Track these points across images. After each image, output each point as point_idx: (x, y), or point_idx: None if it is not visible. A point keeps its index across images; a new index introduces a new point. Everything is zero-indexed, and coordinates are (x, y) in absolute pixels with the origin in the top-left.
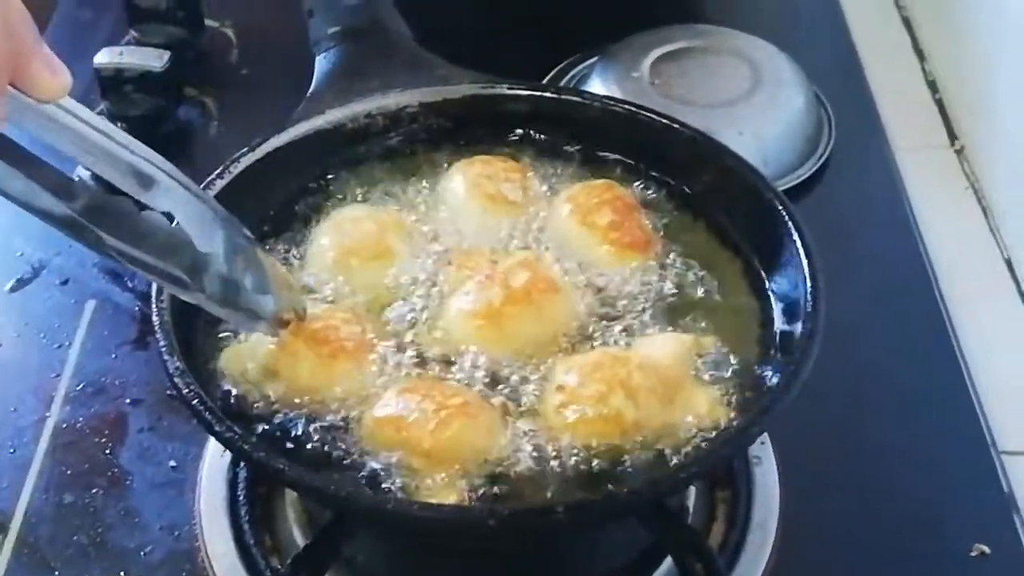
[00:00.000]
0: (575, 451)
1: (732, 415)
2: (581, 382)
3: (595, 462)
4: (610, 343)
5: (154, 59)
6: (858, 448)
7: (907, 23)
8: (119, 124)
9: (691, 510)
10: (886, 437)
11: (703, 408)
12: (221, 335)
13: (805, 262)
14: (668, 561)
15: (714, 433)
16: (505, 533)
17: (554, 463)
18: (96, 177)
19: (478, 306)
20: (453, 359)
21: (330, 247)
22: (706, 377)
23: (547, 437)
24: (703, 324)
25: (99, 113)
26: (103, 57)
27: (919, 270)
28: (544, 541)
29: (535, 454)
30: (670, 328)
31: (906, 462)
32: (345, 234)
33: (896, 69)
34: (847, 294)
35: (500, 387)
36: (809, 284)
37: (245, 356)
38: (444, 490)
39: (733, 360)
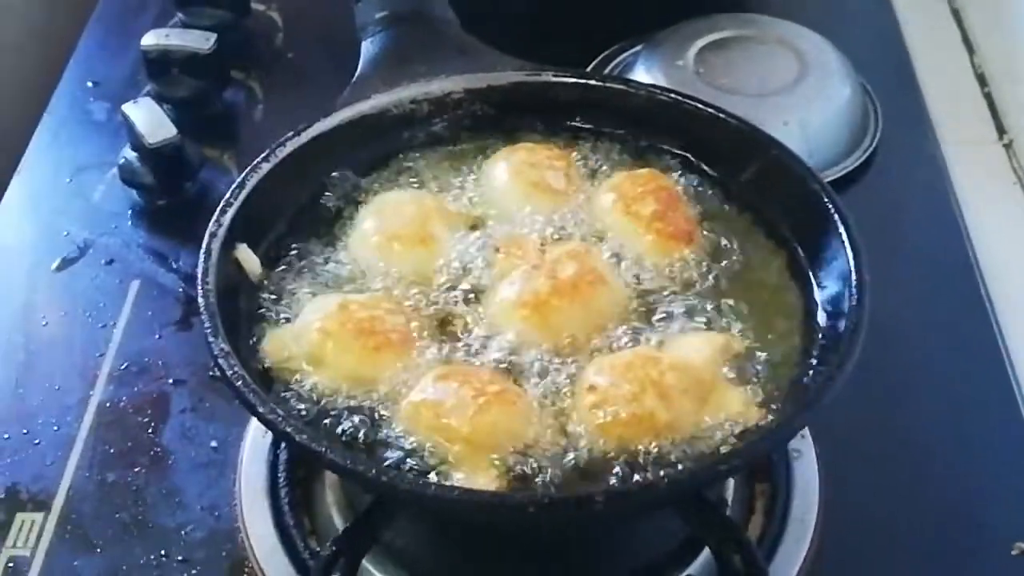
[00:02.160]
0: (609, 449)
1: (766, 415)
2: (613, 382)
3: (628, 457)
4: (648, 338)
5: (201, 41)
6: (899, 444)
7: (956, 15)
8: (165, 106)
9: (729, 502)
10: (928, 433)
11: (736, 409)
12: (266, 319)
13: (850, 255)
14: (706, 552)
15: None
16: (544, 520)
17: (589, 455)
18: (140, 158)
19: (524, 296)
20: (495, 347)
21: (373, 231)
22: (740, 377)
23: (582, 431)
24: (744, 318)
25: (146, 94)
26: (150, 39)
27: (965, 265)
28: (581, 530)
29: (571, 445)
30: (709, 322)
31: (948, 459)
32: (388, 218)
33: (945, 62)
34: (892, 288)
35: (540, 377)
36: (854, 277)
37: (289, 341)
38: (482, 476)
39: (769, 359)
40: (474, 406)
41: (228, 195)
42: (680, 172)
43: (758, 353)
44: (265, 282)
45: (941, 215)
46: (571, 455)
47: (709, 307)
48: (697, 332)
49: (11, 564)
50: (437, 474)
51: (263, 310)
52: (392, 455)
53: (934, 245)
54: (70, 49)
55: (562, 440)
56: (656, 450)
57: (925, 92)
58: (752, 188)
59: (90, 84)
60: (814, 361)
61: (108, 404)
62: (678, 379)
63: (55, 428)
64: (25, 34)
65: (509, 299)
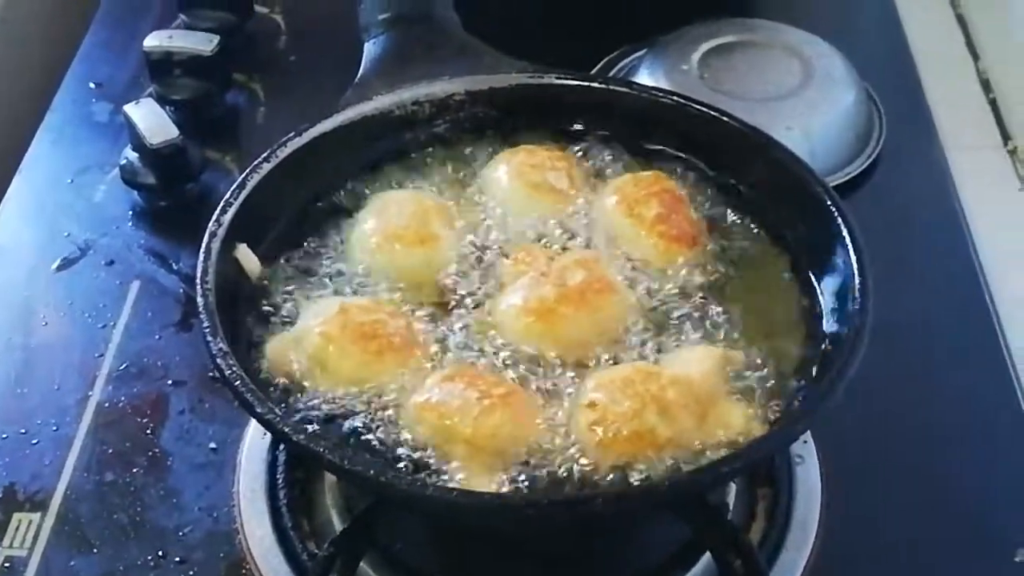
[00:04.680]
0: (610, 463)
1: (768, 429)
2: (613, 399)
3: (629, 471)
4: (648, 349)
5: (203, 43)
6: (903, 450)
7: (961, 21)
8: (167, 107)
9: (731, 507)
10: (932, 439)
11: (738, 423)
12: (266, 321)
13: (854, 259)
14: (707, 557)
15: None
16: (544, 522)
17: (590, 468)
18: (142, 158)
19: (531, 303)
20: (500, 353)
21: (373, 232)
22: (741, 389)
23: (582, 445)
24: (748, 323)
25: (148, 96)
26: (153, 40)
27: (969, 270)
28: (582, 534)
29: (572, 452)
30: (713, 329)
31: (951, 465)
32: (388, 218)
33: (949, 67)
34: (895, 293)
35: (544, 385)
36: (857, 282)
37: (290, 345)
38: (482, 479)
39: (771, 367)
40: (479, 407)
41: (228, 195)
42: (683, 175)
43: (759, 361)
44: (265, 283)
45: (945, 221)
46: (573, 464)
47: (712, 313)
48: (696, 345)
49: (7, 564)
50: (438, 475)
51: (263, 312)
52: (392, 455)
53: (938, 250)
54: (73, 50)
55: (565, 448)
56: (657, 465)
57: (930, 98)
58: (755, 192)
59: (92, 85)
60: (817, 366)
61: (107, 404)
62: (679, 394)
63: (54, 428)
64: (28, 35)
65: (516, 305)
